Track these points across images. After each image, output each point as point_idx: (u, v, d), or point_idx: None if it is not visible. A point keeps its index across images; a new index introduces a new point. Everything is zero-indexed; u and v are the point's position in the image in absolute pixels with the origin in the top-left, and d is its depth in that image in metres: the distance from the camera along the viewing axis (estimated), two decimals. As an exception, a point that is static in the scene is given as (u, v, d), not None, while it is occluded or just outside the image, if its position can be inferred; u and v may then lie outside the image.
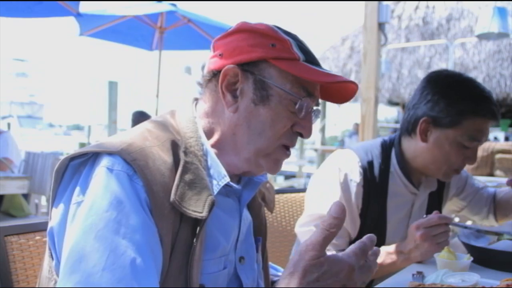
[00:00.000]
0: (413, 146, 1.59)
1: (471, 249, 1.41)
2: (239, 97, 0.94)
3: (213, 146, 0.96)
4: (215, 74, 0.96)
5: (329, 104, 12.36)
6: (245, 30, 0.96)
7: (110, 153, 0.83)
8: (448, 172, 1.57)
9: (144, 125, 0.95)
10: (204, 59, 1.06)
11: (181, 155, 0.89)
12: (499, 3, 5.07)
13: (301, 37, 0.99)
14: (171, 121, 0.97)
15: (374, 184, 1.57)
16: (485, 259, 1.38)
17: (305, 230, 1.58)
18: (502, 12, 4.93)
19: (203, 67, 1.01)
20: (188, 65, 11.41)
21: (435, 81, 1.56)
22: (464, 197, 1.87)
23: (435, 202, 1.77)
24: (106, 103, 8.66)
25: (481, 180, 3.68)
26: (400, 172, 1.61)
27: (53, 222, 0.86)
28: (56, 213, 0.85)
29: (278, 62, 0.92)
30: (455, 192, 1.85)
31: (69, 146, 16.14)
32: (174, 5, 5.10)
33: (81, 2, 4.23)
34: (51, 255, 0.87)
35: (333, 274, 0.74)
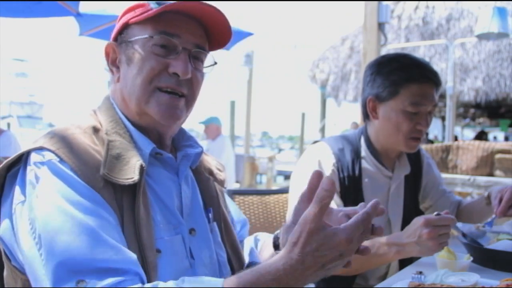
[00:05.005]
0: (372, 127, 1.74)
1: (471, 249, 1.41)
2: (120, 67, 1.04)
3: (130, 120, 1.03)
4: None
5: (329, 104, 12.36)
6: (121, 15, 1.07)
7: (36, 149, 0.91)
8: (407, 142, 1.67)
9: (68, 120, 1.03)
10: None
11: (104, 136, 0.97)
12: (499, 3, 5.07)
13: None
14: (92, 114, 1.06)
15: (347, 167, 1.69)
16: (485, 259, 1.38)
17: None
18: (502, 12, 4.93)
19: None
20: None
21: (371, 65, 1.75)
22: (432, 197, 1.94)
23: (412, 188, 1.86)
24: (106, 103, 8.65)
25: (481, 180, 3.69)
26: (370, 155, 1.73)
27: (2, 229, 0.91)
28: (5, 219, 0.92)
29: (135, 19, 1.01)
30: (425, 187, 1.92)
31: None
32: (174, 5, 5.09)
33: (81, 2, 4.22)
34: (8, 257, 0.93)
35: (331, 246, 0.76)
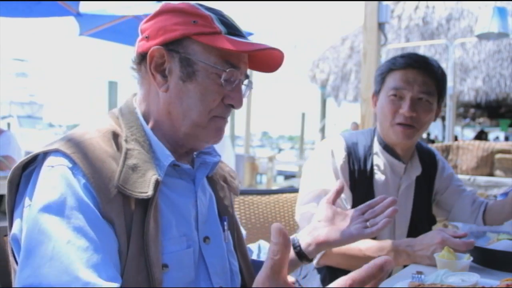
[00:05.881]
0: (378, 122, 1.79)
1: (471, 249, 1.41)
2: (168, 77, 0.98)
3: (153, 128, 1.00)
4: (143, 57, 1.00)
5: (329, 104, 12.37)
6: (168, 10, 0.99)
7: (52, 151, 0.88)
8: (393, 128, 1.69)
9: (89, 121, 1.00)
10: None
11: (123, 143, 0.94)
12: (499, 3, 5.07)
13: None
14: (113, 116, 1.02)
15: (359, 162, 1.72)
16: (485, 259, 1.38)
17: (305, 211, 1.67)
18: (502, 12, 4.93)
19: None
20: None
21: None
22: (449, 196, 1.90)
23: (425, 191, 1.84)
24: (106, 103, 8.67)
25: (481, 180, 3.68)
26: (382, 149, 1.75)
27: (15, 229, 0.89)
28: (17, 219, 0.89)
29: (200, 38, 0.95)
30: (438, 188, 1.89)
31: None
32: (174, 5, 5.08)
33: (81, 2, 4.23)
34: (15, 259, 0.91)
35: None
